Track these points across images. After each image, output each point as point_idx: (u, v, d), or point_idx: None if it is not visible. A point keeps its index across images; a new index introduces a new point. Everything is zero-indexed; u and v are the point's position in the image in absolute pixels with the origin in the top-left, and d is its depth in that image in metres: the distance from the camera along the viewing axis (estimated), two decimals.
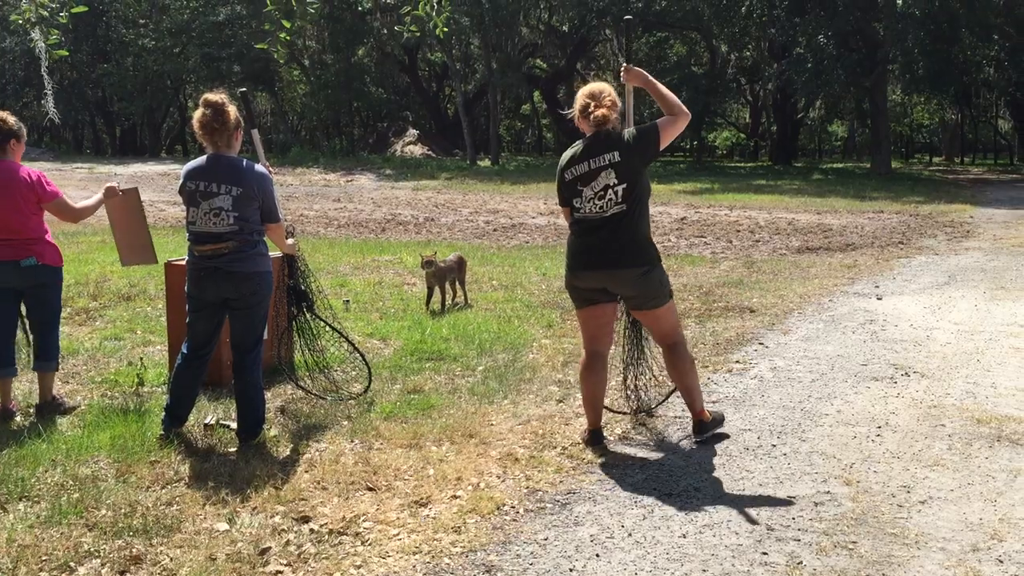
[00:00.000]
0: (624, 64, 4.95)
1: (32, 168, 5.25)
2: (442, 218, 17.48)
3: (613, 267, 4.60)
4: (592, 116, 4.62)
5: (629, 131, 4.69)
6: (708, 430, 4.82)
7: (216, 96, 4.70)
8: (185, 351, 4.85)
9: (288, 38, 8.33)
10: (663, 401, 5.38)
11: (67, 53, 8.34)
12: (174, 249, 10.47)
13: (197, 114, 4.70)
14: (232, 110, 4.72)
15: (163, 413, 4.83)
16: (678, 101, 4.73)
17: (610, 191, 4.55)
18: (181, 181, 4.75)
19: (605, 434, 4.87)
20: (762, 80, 41.35)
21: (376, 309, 8.32)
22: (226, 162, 4.70)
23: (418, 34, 10.41)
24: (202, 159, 4.76)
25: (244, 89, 6.44)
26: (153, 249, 5.75)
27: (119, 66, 41.99)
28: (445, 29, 8.52)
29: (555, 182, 4.88)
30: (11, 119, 5.19)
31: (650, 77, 4.88)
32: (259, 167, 4.83)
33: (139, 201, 5.71)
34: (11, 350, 5.26)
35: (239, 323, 4.79)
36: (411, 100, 49.50)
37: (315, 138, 48.28)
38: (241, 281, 4.67)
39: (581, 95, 4.72)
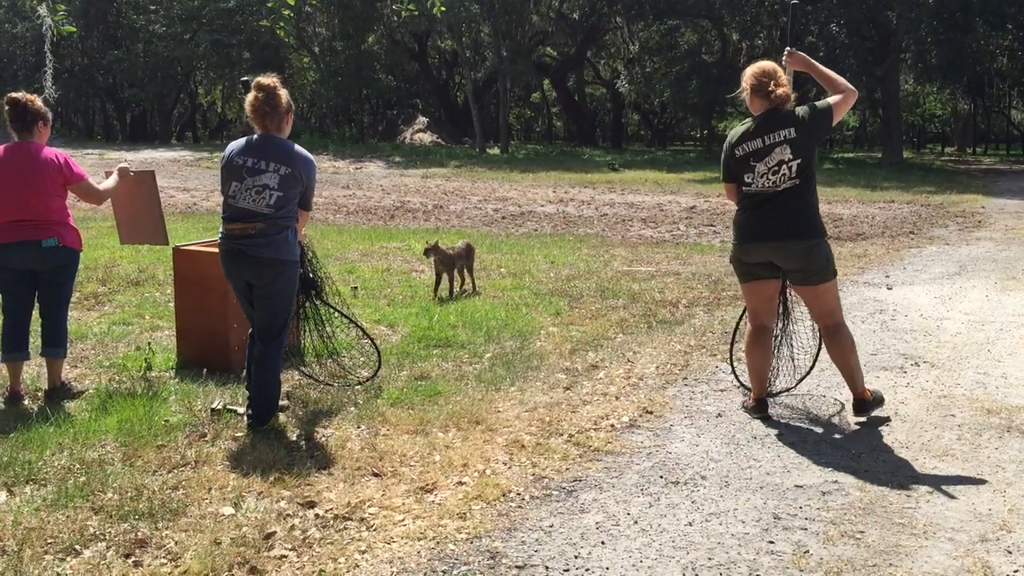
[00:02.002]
0: (788, 48, 5.00)
1: (58, 151, 5.27)
2: (451, 205, 17.46)
3: (780, 239, 4.70)
4: (774, 94, 4.70)
5: (802, 109, 4.75)
6: (869, 409, 4.89)
7: (268, 80, 4.76)
8: (251, 331, 4.92)
9: (291, 15, 8.30)
10: (789, 389, 5.40)
11: (75, 30, 8.32)
12: (183, 234, 10.49)
13: (249, 97, 4.75)
14: (284, 94, 4.79)
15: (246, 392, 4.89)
16: (844, 80, 4.80)
17: (784, 167, 4.64)
18: (226, 156, 4.77)
19: (612, 422, 4.87)
20: None
21: (384, 296, 8.32)
22: (277, 143, 4.76)
23: (416, 12, 10.34)
24: (252, 137, 4.80)
25: (247, 78, 6.45)
26: (164, 230, 5.80)
27: (129, 52, 42.05)
28: (443, 8, 8.45)
29: (721, 158, 4.94)
30: (39, 101, 5.24)
31: (812, 60, 4.93)
32: (306, 152, 4.87)
33: (154, 184, 5.79)
34: (26, 334, 5.27)
35: (262, 310, 4.79)
36: (421, 88, 49.40)
37: (324, 125, 48.28)
38: (263, 267, 4.67)
39: (752, 74, 4.78)
